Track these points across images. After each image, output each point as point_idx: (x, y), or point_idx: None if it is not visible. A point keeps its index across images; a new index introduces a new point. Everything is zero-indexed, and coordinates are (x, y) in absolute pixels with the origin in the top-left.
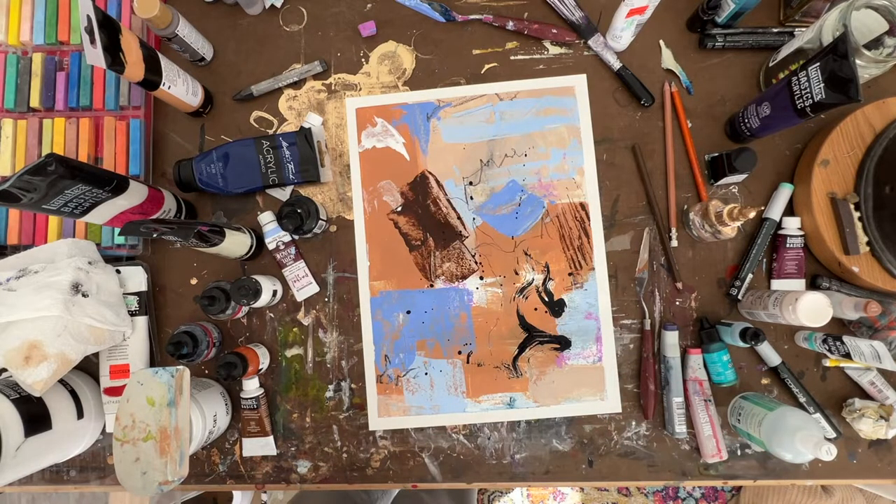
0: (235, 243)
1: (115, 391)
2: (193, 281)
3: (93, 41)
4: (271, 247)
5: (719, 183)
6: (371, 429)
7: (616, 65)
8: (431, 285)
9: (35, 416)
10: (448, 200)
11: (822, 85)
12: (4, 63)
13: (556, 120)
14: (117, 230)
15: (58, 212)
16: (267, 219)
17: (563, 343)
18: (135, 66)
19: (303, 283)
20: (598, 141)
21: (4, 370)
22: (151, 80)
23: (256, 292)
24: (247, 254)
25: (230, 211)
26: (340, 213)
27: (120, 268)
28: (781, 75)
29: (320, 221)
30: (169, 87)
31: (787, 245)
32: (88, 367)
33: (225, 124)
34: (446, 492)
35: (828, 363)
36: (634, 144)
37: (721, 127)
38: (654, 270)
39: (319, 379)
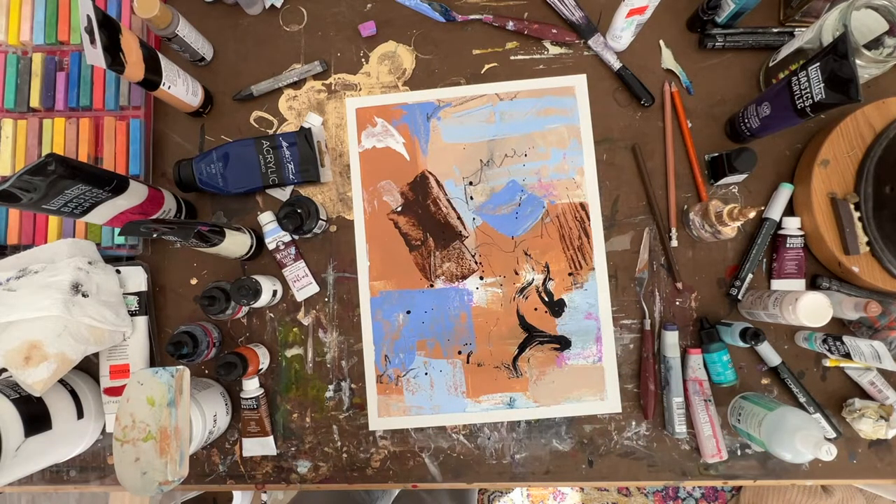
0: (235, 243)
1: (115, 391)
2: (193, 281)
3: (93, 41)
4: (271, 247)
5: (719, 183)
6: (371, 429)
7: (616, 65)
8: (431, 285)
9: (35, 416)
10: (448, 200)
11: (822, 85)
12: (4, 63)
13: (556, 120)
14: (117, 230)
15: (58, 212)
16: (267, 219)
17: (563, 343)
18: (135, 66)
19: (303, 283)
20: (598, 141)
21: (4, 370)
22: (151, 80)
23: (256, 292)
24: (247, 254)
25: (230, 211)
26: (340, 213)
27: (120, 268)
28: (781, 75)
29: (320, 221)
30: (169, 87)
31: (787, 245)
32: (88, 367)
33: (225, 124)
34: (447, 491)
35: (828, 363)
36: (634, 144)
37: (721, 127)
38: (654, 270)
39: (319, 379)
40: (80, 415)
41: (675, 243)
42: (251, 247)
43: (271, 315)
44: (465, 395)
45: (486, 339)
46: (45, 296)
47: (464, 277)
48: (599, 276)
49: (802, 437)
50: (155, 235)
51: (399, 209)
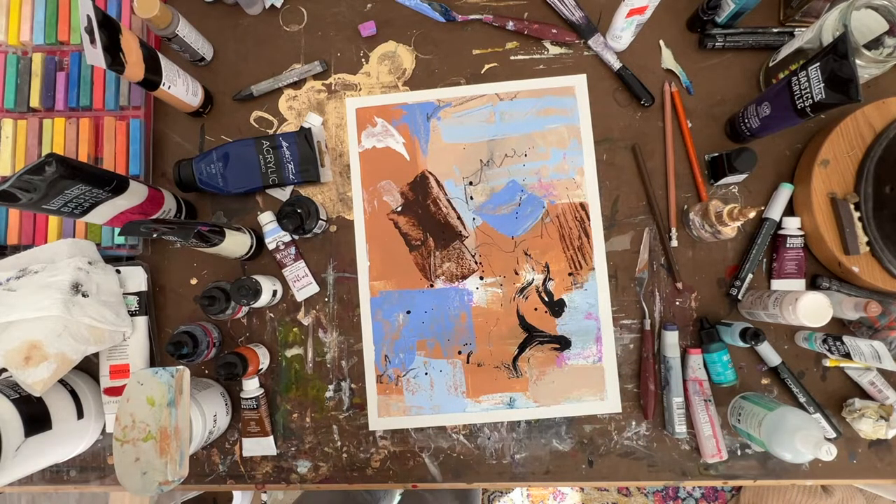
0: (235, 243)
1: (115, 391)
2: (193, 281)
3: (93, 41)
4: (271, 247)
5: (719, 183)
6: (371, 429)
7: (616, 65)
8: (431, 285)
9: (35, 416)
10: (448, 200)
11: (822, 85)
12: (4, 63)
13: (556, 120)
14: (117, 230)
15: (58, 212)
16: (267, 219)
17: (563, 343)
18: (135, 66)
19: (303, 283)
20: (598, 141)
21: (4, 370)
22: (151, 80)
23: (256, 292)
24: (247, 254)
25: (230, 211)
26: (340, 213)
27: (120, 268)
28: (781, 75)
29: (320, 221)
30: (169, 87)
31: (787, 245)
32: (88, 367)
33: (225, 124)
34: (450, 492)
35: (828, 363)
36: (634, 144)
37: (721, 127)
38: (654, 270)
39: (319, 379)
40: (80, 415)
41: (675, 243)
42: (251, 247)
43: (271, 315)
44: (465, 395)
45: (486, 339)
46: (45, 296)
47: (464, 277)
48: (599, 276)
49: (802, 437)
50: (155, 235)
51: (399, 209)
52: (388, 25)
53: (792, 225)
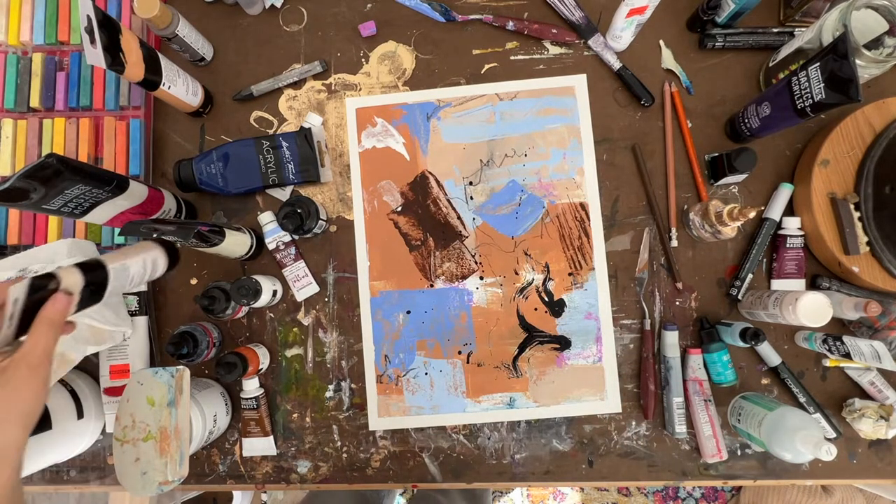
0: (235, 243)
1: (115, 391)
2: (193, 281)
3: (93, 41)
4: (271, 247)
5: (719, 183)
6: (371, 429)
7: (616, 65)
8: (431, 285)
9: None
10: (448, 200)
11: (822, 85)
12: (4, 63)
13: (556, 120)
14: (117, 230)
15: (58, 212)
16: (267, 219)
17: (563, 343)
18: (135, 66)
19: (303, 283)
20: (598, 141)
21: None
22: (151, 80)
23: (256, 292)
24: (247, 254)
25: (230, 211)
26: (340, 213)
27: None
28: (781, 75)
29: (320, 221)
30: (169, 87)
31: (787, 245)
32: (88, 367)
33: (225, 124)
34: (460, 492)
35: (828, 363)
36: (634, 144)
37: (721, 127)
38: (654, 270)
39: (319, 379)
40: (80, 415)
41: (675, 243)
42: (251, 247)
43: (271, 315)
44: (464, 395)
45: (486, 339)
46: None
47: (464, 277)
48: (599, 276)
49: (802, 437)
50: (155, 235)
51: (399, 209)
52: (388, 25)
53: (792, 225)
